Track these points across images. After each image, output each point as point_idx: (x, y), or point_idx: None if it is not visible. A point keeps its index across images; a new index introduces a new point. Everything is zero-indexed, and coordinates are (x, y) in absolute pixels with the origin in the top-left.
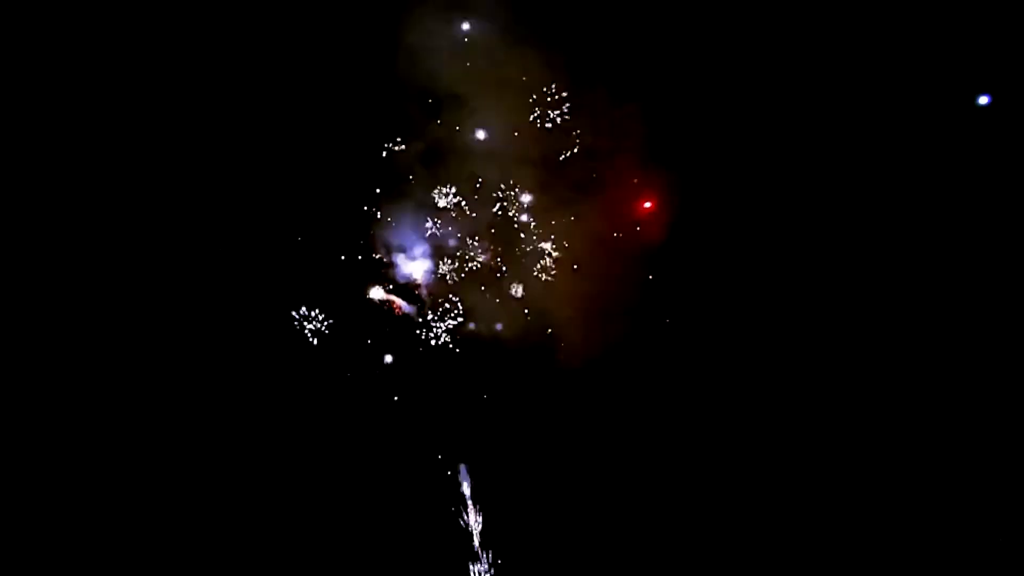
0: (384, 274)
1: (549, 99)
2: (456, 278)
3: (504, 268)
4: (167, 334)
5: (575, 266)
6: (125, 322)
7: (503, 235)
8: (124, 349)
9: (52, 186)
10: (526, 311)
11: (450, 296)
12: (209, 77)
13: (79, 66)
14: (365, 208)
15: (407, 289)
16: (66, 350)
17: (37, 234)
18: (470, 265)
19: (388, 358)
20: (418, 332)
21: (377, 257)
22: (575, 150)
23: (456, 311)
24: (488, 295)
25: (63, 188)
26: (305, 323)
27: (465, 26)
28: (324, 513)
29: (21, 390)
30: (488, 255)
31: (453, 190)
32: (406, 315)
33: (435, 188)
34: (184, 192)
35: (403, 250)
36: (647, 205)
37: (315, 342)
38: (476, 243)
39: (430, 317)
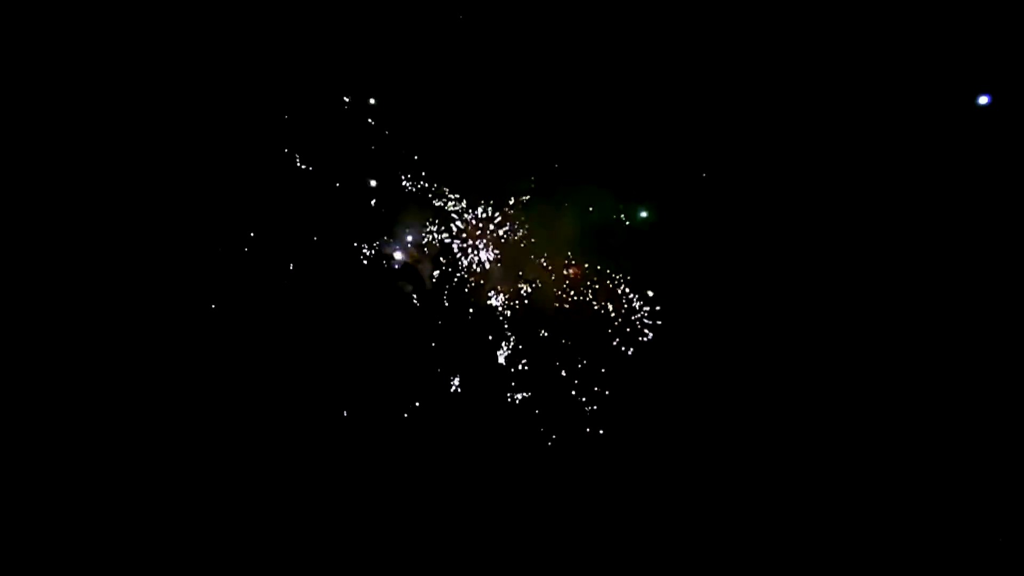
0: (384, 259)
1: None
2: (456, 265)
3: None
4: (165, 328)
5: (574, 258)
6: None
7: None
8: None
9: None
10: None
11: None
12: (209, 71)
13: (78, 66)
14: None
15: (408, 272)
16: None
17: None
18: (469, 252)
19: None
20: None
21: (376, 245)
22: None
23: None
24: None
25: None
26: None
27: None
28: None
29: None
30: (488, 244)
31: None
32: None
33: (436, 176)
34: (179, 183)
35: (404, 237)
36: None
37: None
38: (477, 231)
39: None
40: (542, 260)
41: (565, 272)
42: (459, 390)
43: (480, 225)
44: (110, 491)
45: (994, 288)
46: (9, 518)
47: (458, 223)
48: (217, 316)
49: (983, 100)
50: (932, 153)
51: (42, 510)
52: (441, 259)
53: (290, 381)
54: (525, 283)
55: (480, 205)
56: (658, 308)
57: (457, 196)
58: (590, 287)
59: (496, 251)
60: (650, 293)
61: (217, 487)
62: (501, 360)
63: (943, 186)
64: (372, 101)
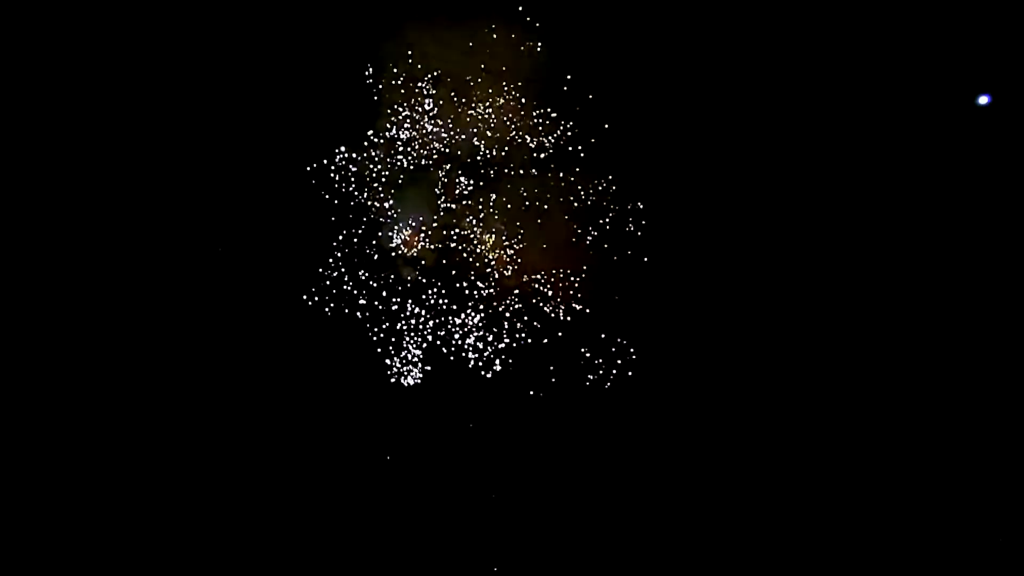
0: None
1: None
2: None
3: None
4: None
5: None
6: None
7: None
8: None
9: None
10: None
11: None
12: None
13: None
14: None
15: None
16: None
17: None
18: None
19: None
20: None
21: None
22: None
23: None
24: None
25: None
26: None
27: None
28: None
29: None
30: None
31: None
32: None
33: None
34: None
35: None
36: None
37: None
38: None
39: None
40: (540, 257)
41: (563, 270)
42: (457, 390)
43: (477, 225)
44: (110, 491)
45: (994, 288)
46: (9, 518)
47: (454, 222)
48: (217, 316)
49: (983, 100)
50: (932, 153)
51: (42, 510)
52: (438, 258)
53: (289, 381)
54: (522, 281)
55: (477, 205)
56: (657, 307)
57: (451, 194)
58: (587, 286)
59: (494, 250)
60: (650, 292)
61: (217, 487)
62: (499, 360)
63: (943, 186)
64: (371, 102)
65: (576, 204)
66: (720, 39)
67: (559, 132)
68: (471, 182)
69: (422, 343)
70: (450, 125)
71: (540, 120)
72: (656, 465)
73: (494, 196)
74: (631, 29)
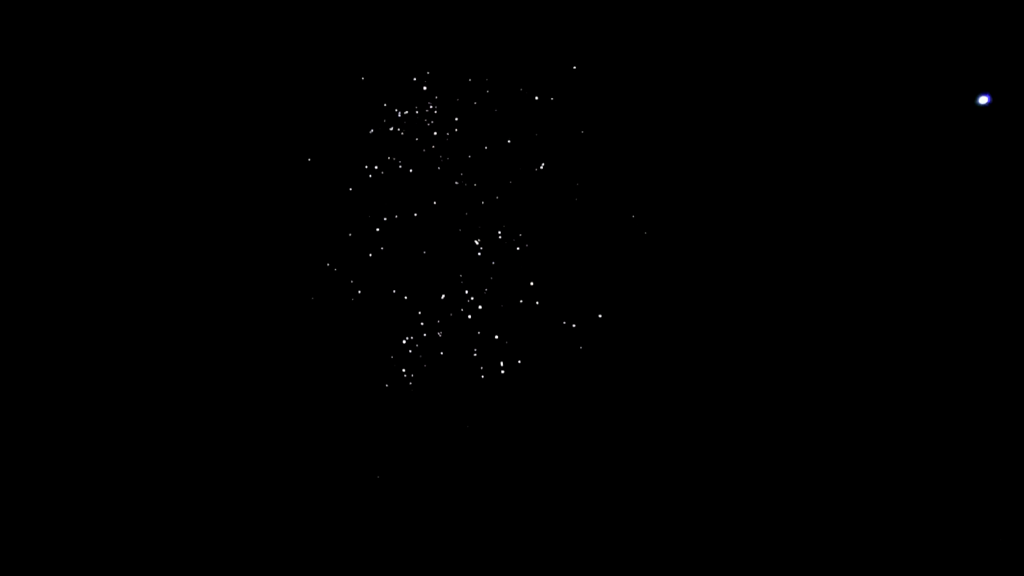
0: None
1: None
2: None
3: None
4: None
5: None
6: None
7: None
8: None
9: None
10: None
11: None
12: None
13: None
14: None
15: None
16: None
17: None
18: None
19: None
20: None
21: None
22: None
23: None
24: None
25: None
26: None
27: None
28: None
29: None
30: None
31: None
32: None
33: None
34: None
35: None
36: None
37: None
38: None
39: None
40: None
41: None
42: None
43: (477, 225)
44: (107, 490)
45: (994, 289)
46: (9, 518)
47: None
48: (215, 316)
49: (983, 100)
50: (932, 153)
51: (42, 510)
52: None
53: (288, 382)
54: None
55: (476, 206)
56: (658, 309)
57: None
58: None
59: (493, 252)
60: (649, 294)
61: (214, 487)
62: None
63: (943, 186)
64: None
65: (576, 203)
66: (720, 39)
67: (559, 131)
68: (471, 181)
69: (420, 344)
70: (450, 124)
71: (540, 119)
72: (657, 468)
73: (496, 196)
74: (632, 28)
